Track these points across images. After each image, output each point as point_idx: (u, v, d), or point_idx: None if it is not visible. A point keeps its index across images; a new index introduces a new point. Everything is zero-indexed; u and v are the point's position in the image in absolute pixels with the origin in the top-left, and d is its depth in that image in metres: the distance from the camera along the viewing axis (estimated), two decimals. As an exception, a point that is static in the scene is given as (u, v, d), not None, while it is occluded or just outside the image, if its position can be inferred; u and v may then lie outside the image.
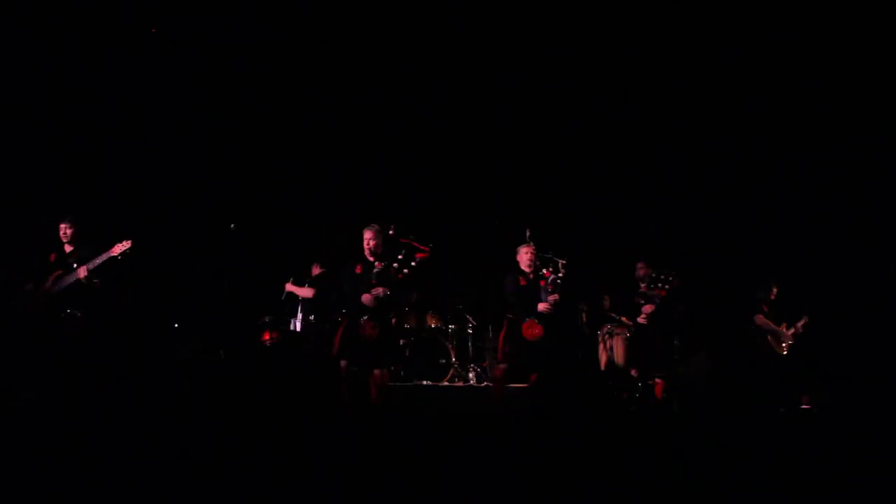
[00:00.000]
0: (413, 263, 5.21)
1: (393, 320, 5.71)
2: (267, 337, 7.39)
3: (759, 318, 7.33)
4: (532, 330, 5.58)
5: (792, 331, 7.33)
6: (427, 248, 5.83)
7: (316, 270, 7.53)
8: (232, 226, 6.81)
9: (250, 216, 7.48)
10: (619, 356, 7.15)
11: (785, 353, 7.30)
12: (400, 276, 5.20)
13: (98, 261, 5.61)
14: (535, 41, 7.34)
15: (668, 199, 8.42)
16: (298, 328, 7.36)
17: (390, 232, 5.84)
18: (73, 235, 5.87)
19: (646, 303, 6.83)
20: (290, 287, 7.47)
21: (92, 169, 7.38)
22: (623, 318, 7.19)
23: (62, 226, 5.88)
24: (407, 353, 7.53)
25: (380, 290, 5.42)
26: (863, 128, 7.59)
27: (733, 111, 7.94)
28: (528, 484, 3.41)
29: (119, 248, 5.60)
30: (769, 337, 7.30)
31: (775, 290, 7.44)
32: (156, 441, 4.17)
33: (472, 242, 8.36)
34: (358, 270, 5.61)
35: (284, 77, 7.65)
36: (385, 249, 5.67)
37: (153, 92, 7.41)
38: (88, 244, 5.82)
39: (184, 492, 3.11)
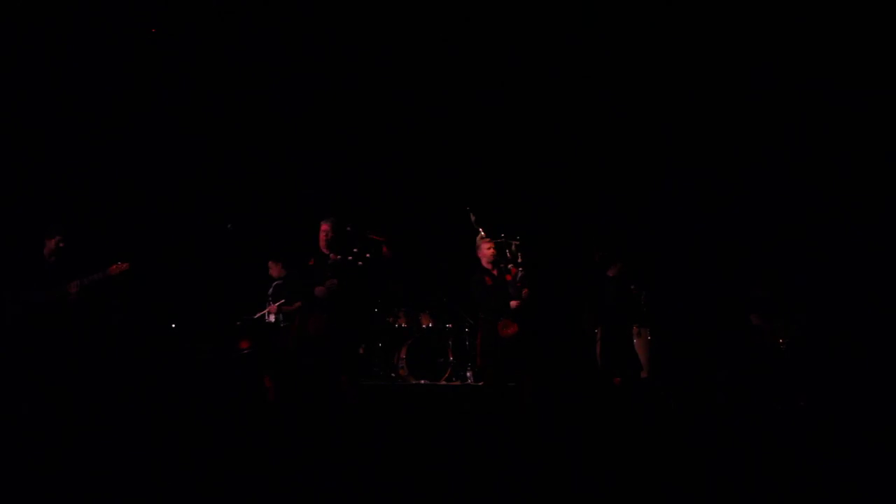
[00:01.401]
0: (367, 256, 5.13)
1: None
2: (245, 346, 7.19)
3: (755, 316, 7.33)
4: (507, 329, 5.50)
5: (789, 328, 7.33)
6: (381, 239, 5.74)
7: (274, 270, 7.32)
8: (229, 226, 6.73)
9: (244, 215, 7.48)
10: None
11: (782, 349, 7.30)
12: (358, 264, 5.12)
13: (92, 279, 5.41)
14: (514, 38, 7.30)
15: (666, 197, 8.40)
16: (272, 319, 7.21)
17: (347, 228, 5.71)
18: (61, 245, 5.57)
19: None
20: (284, 308, 7.07)
21: (85, 171, 7.33)
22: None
23: (53, 239, 5.57)
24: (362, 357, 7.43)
25: (334, 282, 5.27)
26: (862, 125, 7.57)
27: (733, 108, 7.91)
28: (526, 481, 3.40)
29: (116, 270, 5.39)
30: (765, 334, 7.30)
31: (771, 287, 7.44)
32: (153, 443, 4.16)
33: (468, 241, 8.34)
34: (311, 263, 5.49)
35: (270, 77, 7.61)
36: (342, 243, 5.51)
37: (142, 93, 7.36)
38: (76, 255, 5.59)
39: (182, 491, 3.10)
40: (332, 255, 5.37)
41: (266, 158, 8.17)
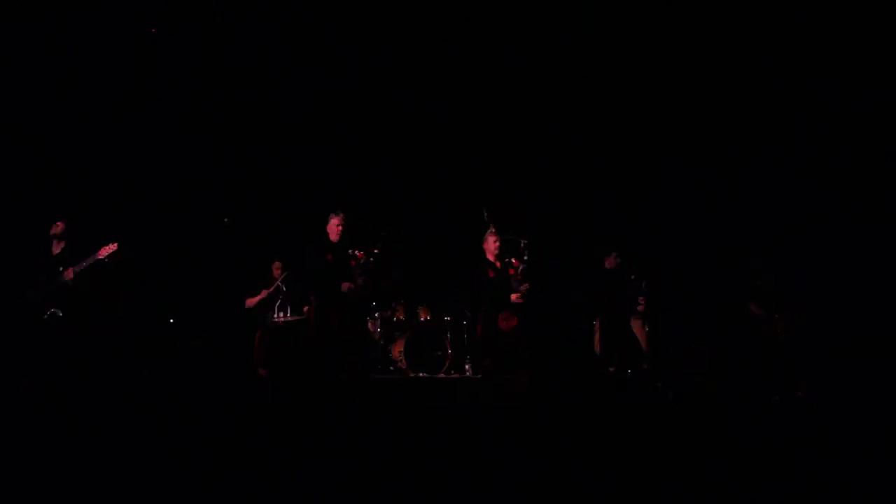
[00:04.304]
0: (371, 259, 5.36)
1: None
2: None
3: (754, 306, 7.34)
4: (508, 322, 5.58)
5: (787, 319, 7.33)
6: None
7: (277, 271, 7.45)
8: (225, 220, 6.79)
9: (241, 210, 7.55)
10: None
11: (780, 341, 7.31)
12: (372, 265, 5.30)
13: (85, 263, 5.46)
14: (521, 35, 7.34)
15: (666, 190, 8.41)
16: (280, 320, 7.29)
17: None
18: (64, 234, 5.69)
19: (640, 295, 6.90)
20: (251, 302, 7.39)
21: (82, 167, 7.41)
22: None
23: (56, 225, 5.71)
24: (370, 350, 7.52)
25: (360, 281, 5.49)
26: (862, 120, 7.55)
27: (730, 102, 7.92)
28: (525, 476, 3.44)
29: (106, 252, 5.44)
30: (764, 325, 7.31)
31: (771, 277, 7.45)
32: (150, 440, 4.22)
33: (467, 235, 8.39)
34: (328, 258, 5.60)
35: (269, 74, 7.68)
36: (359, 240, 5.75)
37: (136, 90, 7.44)
38: (78, 245, 5.66)
39: (179, 491, 3.16)
40: (358, 253, 5.55)
41: (266, 155, 8.24)
